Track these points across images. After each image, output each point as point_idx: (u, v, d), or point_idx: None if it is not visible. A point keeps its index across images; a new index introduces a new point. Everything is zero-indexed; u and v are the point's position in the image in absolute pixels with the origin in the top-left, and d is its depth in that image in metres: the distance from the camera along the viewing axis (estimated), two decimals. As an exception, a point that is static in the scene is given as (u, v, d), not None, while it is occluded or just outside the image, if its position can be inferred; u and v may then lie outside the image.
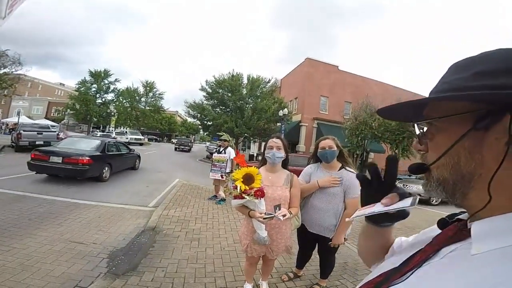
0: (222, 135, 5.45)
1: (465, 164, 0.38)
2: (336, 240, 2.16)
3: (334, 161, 2.23)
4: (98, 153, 7.17)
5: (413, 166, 0.46)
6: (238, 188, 1.76)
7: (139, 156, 10.35)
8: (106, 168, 7.37)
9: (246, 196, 1.75)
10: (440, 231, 0.46)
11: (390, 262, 0.50)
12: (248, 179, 1.80)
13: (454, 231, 0.41)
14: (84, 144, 7.59)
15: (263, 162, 2.11)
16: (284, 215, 1.74)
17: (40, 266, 2.58)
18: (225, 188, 1.97)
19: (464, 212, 0.44)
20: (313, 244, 2.49)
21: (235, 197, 1.80)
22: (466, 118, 0.37)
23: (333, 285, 2.74)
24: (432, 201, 9.97)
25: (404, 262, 0.44)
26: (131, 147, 10.34)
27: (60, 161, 6.31)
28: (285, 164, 2.10)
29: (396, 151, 12.95)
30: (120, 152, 8.60)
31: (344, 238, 2.28)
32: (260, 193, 1.76)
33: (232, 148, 5.73)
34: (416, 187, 10.13)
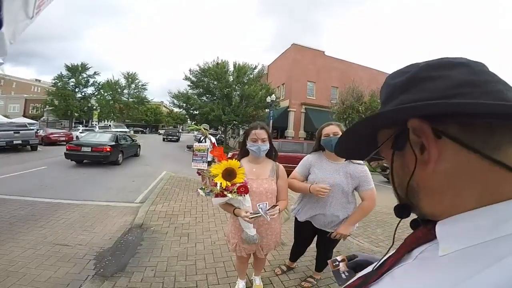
0: (192, 126, 5.45)
1: (404, 180, 0.41)
2: (343, 230, 1.95)
3: None
4: (114, 143, 9.48)
5: (397, 211, 0.46)
6: (219, 185, 1.58)
7: (139, 146, 12.91)
8: (120, 155, 9.72)
9: (228, 194, 1.58)
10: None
11: (372, 266, 0.51)
12: (229, 174, 1.62)
13: (423, 231, 0.42)
14: (102, 137, 10.01)
15: (245, 153, 1.90)
16: (272, 215, 1.65)
17: (25, 271, 2.50)
18: (204, 186, 1.79)
19: None
20: (311, 238, 2.35)
21: (216, 195, 1.64)
22: (390, 142, 0.42)
23: (328, 277, 2.70)
24: None
25: (381, 264, 0.46)
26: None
27: (90, 150, 8.77)
28: (271, 155, 1.91)
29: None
30: (127, 142, 11.11)
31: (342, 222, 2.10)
32: (244, 189, 1.61)
33: (209, 139, 5.65)
34: None
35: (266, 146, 1.81)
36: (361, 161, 1.99)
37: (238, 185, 1.61)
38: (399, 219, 0.48)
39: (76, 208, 4.46)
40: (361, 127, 0.45)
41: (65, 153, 8.92)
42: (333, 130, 1.96)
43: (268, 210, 1.68)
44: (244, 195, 1.63)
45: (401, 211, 0.45)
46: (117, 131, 13.34)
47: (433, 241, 0.39)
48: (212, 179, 1.65)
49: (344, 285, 0.51)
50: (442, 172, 0.36)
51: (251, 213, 1.63)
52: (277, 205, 1.77)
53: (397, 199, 0.47)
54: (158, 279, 2.47)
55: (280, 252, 3.15)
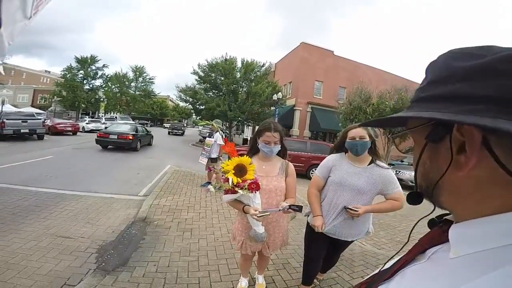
0: (203, 122, 5.44)
1: (429, 172, 0.40)
2: (361, 209, 1.78)
3: (364, 154, 1.88)
4: (134, 133, 11.44)
5: (409, 199, 0.46)
6: (230, 181, 1.58)
7: (152, 136, 14.78)
8: (138, 143, 11.60)
9: (239, 190, 1.57)
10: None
11: (388, 263, 0.50)
12: (240, 170, 1.61)
13: (438, 232, 0.42)
14: (124, 127, 12.06)
15: (255, 150, 1.89)
16: (283, 207, 1.61)
17: (26, 264, 2.47)
18: (214, 182, 1.78)
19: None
20: (326, 245, 2.08)
21: (226, 192, 1.63)
22: (426, 130, 0.38)
23: (330, 278, 2.69)
24: None
25: (395, 262, 0.46)
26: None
27: (116, 138, 10.74)
28: (280, 153, 1.90)
29: (389, 136, 12.99)
30: (144, 133, 12.97)
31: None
32: (255, 186, 1.59)
33: (221, 134, 5.57)
34: (409, 173, 10.11)
35: (278, 147, 1.80)
36: (385, 165, 1.91)
37: (249, 181, 1.58)
38: (417, 220, 0.49)
39: (80, 199, 4.45)
40: (398, 119, 0.42)
41: (96, 139, 10.93)
42: (359, 133, 1.83)
43: (283, 207, 1.63)
44: (255, 192, 1.60)
45: (414, 199, 0.45)
46: (132, 123, 15.12)
47: (446, 243, 0.38)
48: (223, 175, 1.64)
49: (360, 282, 0.52)
50: (472, 177, 0.34)
51: (260, 211, 1.58)
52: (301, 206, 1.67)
53: (415, 186, 0.45)
54: (160, 274, 2.44)
55: (284, 251, 3.10)
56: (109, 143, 10.94)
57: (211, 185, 5.26)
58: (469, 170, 0.33)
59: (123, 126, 12.32)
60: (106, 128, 13.31)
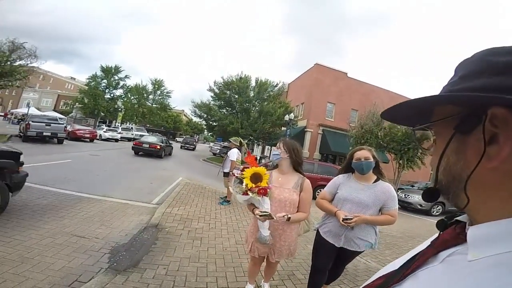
0: (230, 138, 5.73)
1: (453, 166, 0.38)
2: (360, 218, 1.92)
3: (369, 173, 2.08)
4: (161, 144, 14.75)
5: (425, 195, 0.44)
6: (244, 184, 1.85)
7: (172, 147, 18.44)
8: (163, 152, 15.00)
9: (250, 193, 1.82)
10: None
11: (393, 265, 0.49)
12: (256, 178, 1.87)
13: (451, 234, 0.41)
14: (154, 138, 15.76)
15: (275, 165, 2.16)
16: (282, 216, 1.81)
17: (40, 259, 2.55)
18: (237, 186, 2.01)
19: (463, 213, 0.43)
20: (333, 255, 2.18)
21: (243, 194, 1.88)
22: (453, 121, 0.38)
23: (336, 284, 2.74)
24: (433, 211, 10.07)
25: (404, 264, 0.44)
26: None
27: (148, 146, 14.02)
28: (295, 167, 2.08)
29: (401, 161, 12.80)
30: (167, 144, 16.34)
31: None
32: (263, 191, 1.83)
33: (240, 150, 5.82)
34: (418, 197, 10.19)
35: (278, 154, 2.05)
36: (387, 182, 2.08)
37: (260, 187, 1.82)
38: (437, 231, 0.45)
39: (96, 203, 4.63)
40: (428, 103, 0.40)
41: (132, 146, 14.43)
42: (364, 155, 2.05)
43: (278, 216, 1.83)
44: (263, 197, 1.83)
45: (431, 195, 0.43)
46: (159, 136, 17.69)
47: (462, 244, 0.38)
48: (242, 180, 1.90)
49: (365, 284, 0.50)
50: (502, 171, 0.33)
51: (261, 210, 1.82)
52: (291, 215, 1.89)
53: (432, 181, 0.43)
54: (169, 277, 2.51)
55: (289, 263, 3.15)
56: (142, 150, 14.08)
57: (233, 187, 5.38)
58: (501, 162, 0.32)
59: (153, 137, 16.15)
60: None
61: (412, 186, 13.78)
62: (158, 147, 14.22)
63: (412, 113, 0.45)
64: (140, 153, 14.24)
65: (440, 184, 0.41)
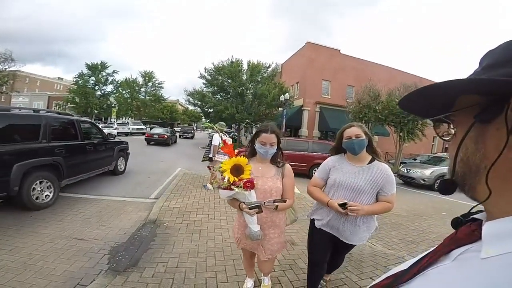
0: (207, 124, 5.77)
1: (472, 157, 0.37)
2: (361, 207, 1.71)
3: (363, 153, 1.87)
4: (168, 134, 17.84)
5: (441, 188, 0.43)
6: (226, 179, 1.65)
7: (177, 136, 22.79)
8: (170, 140, 18.31)
9: (235, 188, 1.64)
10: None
11: (404, 264, 0.48)
12: (237, 170, 1.69)
13: (465, 232, 0.40)
14: (161, 130, 18.93)
15: (253, 152, 1.90)
16: (272, 202, 1.69)
17: (42, 265, 2.57)
18: (213, 180, 1.86)
19: (481, 211, 0.42)
20: (331, 245, 2.03)
21: (224, 189, 1.69)
22: (474, 110, 0.36)
23: (338, 279, 2.67)
24: (436, 186, 9.53)
25: (414, 263, 0.43)
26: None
27: (157, 137, 17.34)
28: (276, 161, 1.89)
29: (401, 134, 12.76)
30: (172, 134, 19.34)
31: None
32: (250, 185, 1.65)
33: (221, 136, 5.76)
34: (420, 171, 9.94)
35: (274, 149, 1.82)
36: (385, 164, 1.88)
37: (244, 180, 1.65)
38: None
39: (93, 202, 4.60)
40: (448, 88, 0.38)
41: (145, 138, 17.84)
42: (355, 132, 1.83)
43: (267, 201, 1.70)
44: (250, 190, 1.66)
45: (447, 187, 0.42)
46: (165, 128, 20.48)
47: (476, 242, 0.36)
48: (221, 174, 1.71)
49: (373, 284, 0.49)
50: None
51: (249, 203, 1.66)
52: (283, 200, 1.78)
53: (449, 172, 0.42)
54: (168, 275, 2.50)
55: (291, 252, 3.11)
56: (153, 140, 17.29)
57: (212, 180, 5.62)
58: None
59: (160, 129, 19.11)
60: (118, 133, 18.85)
61: (415, 159, 13.65)
62: (166, 136, 17.27)
63: (431, 102, 0.43)
64: (151, 142, 17.29)
65: (457, 176, 0.40)
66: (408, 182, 10.29)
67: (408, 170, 10.34)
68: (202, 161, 6.30)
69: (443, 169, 9.81)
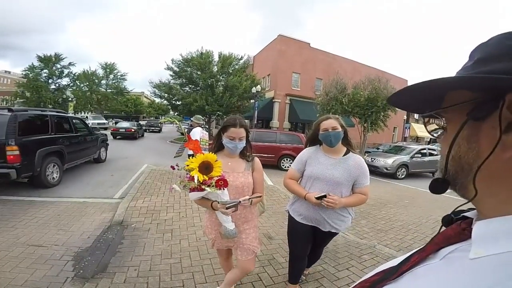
0: (165, 119, 5.64)
1: (464, 155, 0.37)
2: (338, 200, 1.74)
3: (339, 145, 1.89)
4: (135, 127, 17.75)
5: (433, 187, 0.41)
6: (196, 179, 1.50)
7: (145, 130, 23.23)
8: (137, 134, 18.15)
9: (206, 188, 1.51)
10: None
11: (392, 261, 0.47)
12: (206, 167, 1.54)
13: (455, 230, 0.39)
14: (127, 124, 18.67)
15: (220, 146, 1.81)
16: (248, 200, 1.64)
17: (-1, 275, 2.33)
18: (179, 180, 1.69)
19: (472, 209, 0.41)
20: (311, 237, 2.05)
21: (193, 189, 1.55)
22: (467, 107, 0.35)
23: (316, 271, 2.71)
24: (398, 175, 10.29)
25: (403, 261, 0.43)
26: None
27: (124, 131, 17.23)
28: (245, 154, 1.83)
29: (365, 124, 13.44)
30: (138, 127, 19.08)
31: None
32: (223, 183, 1.53)
33: (203, 129, 5.60)
34: (383, 160, 10.50)
35: (243, 143, 1.76)
36: (359, 156, 1.93)
37: (216, 178, 1.54)
38: (441, 224, 0.44)
39: (50, 206, 4.21)
40: (437, 85, 0.37)
41: (111, 132, 16.88)
42: (332, 124, 1.85)
43: (243, 199, 1.64)
44: (223, 189, 1.56)
45: (438, 186, 0.41)
46: (132, 122, 20.22)
47: (466, 241, 0.36)
48: (188, 173, 1.55)
49: (362, 279, 0.49)
50: None
51: (227, 202, 1.56)
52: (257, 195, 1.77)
53: (440, 171, 0.41)
54: (142, 279, 2.38)
55: (268, 246, 3.12)
56: (119, 134, 17.04)
57: (176, 183, 5.25)
58: None
59: (127, 123, 18.80)
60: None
61: (378, 148, 14.48)
62: (133, 130, 17.25)
63: (420, 98, 0.43)
64: (118, 137, 16.94)
65: (448, 174, 0.40)
66: (372, 170, 10.76)
67: (373, 159, 10.85)
68: (175, 157, 6.05)
69: (403, 157, 10.52)
